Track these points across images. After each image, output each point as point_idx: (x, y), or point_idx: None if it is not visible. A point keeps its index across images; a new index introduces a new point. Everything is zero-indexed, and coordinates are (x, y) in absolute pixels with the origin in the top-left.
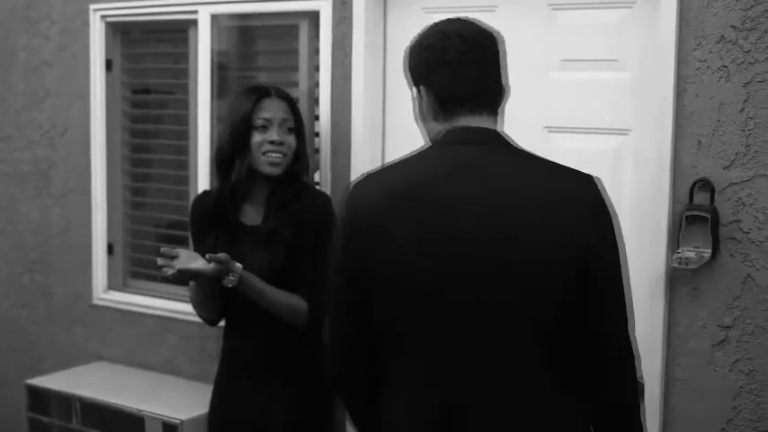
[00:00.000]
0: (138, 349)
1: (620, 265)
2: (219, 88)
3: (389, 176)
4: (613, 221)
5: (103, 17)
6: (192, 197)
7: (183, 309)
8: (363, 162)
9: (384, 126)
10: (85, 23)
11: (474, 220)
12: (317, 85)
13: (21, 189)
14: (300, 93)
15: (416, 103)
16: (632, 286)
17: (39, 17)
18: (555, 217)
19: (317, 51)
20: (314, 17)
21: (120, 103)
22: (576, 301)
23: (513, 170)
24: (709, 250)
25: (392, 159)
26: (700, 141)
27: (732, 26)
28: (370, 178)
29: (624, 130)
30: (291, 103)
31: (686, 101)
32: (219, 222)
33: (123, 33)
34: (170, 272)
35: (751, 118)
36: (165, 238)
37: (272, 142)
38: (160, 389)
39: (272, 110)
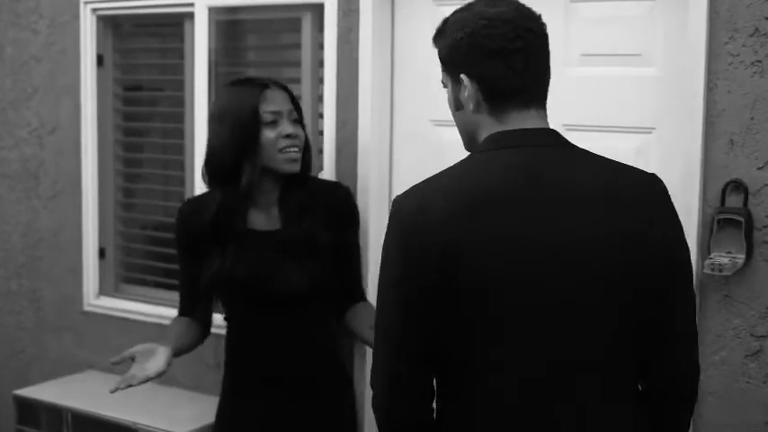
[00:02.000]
0: None
1: (691, 268)
2: (217, 85)
3: (455, 186)
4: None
5: (94, 10)
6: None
7: None
8: (370, 163)
9: (392, 125)
10: (75, 17)
11: (557, 226)
12: (320, 81)
13: (8, 190)
14: (303, 90)
15: (451, 90)
16: None
17: (26, 10)
18: (632, 216)
19: (320, 46)
20: (317, 10)
21: (111, 100)
22: (649, 306)
23: (584, 171)
24: (743, 255)
25: (447, 165)
26: (732, 140)
27: (767, 18)
28: (425, 188)
29: (648, 128)
30: (290, 93)
31: (717, 97)
32: (224, 232)
33: (115, 27)
34: (135, 382)
35: None
36: (159, 242)
37: (288, 136)
38: (155, 400)
39: (277, 101)
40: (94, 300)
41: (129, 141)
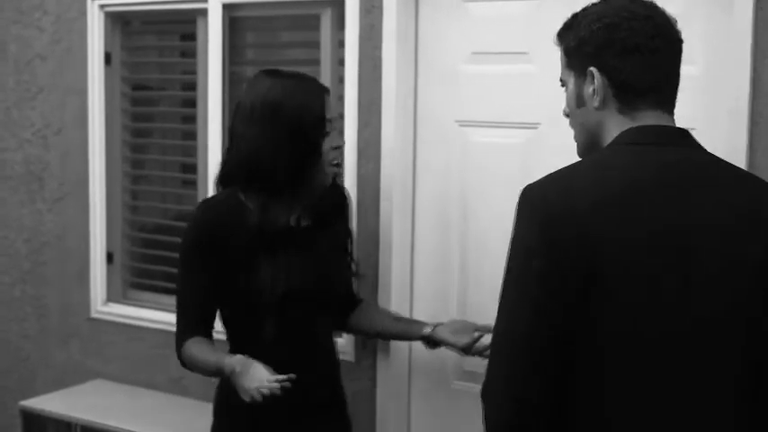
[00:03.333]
0: (141, 366)
1: None
2: (231, 85)
3: (602, 178)
4: None
5: (102, 6)
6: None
7: None
8: (394, 166)
9: (416, 126)
10: (82, 14)
11: (701, 230)
12: (340, 80)
13: (11, 193)
14: None
15: (574, 85)
16: None
17: (31, 7)
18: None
19: (340, 44)
20: (338, 5)
21: (119, 99)
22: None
23: (723, 176)
24: None
25: (570, 162)
26: None
27: None
28: (568, 177)
29: (688, 128)
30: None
31: (764, 97)
32: (268, 238)
33: (123, 24)
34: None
35: None
36: (169, 246)
37: (337, 147)
38: (166, 410)
39: (333, 109)
40: (102, 306)
41: (138, 142)
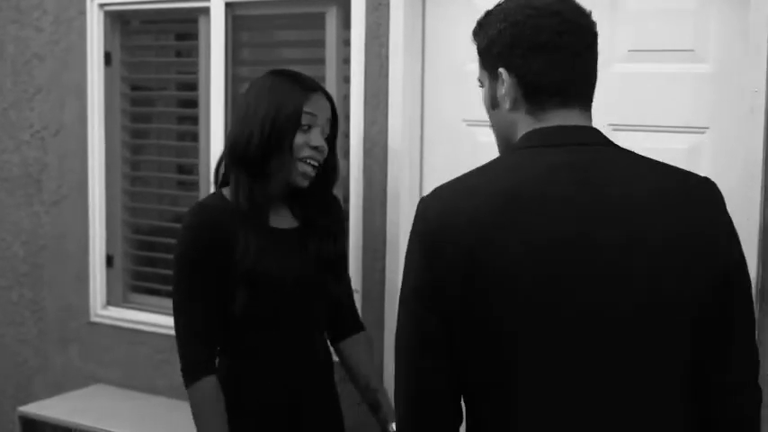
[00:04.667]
0: (141, 371)
1: (749, 280)
2: (234, 85)
3: (489, 186)
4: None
5: (101, 5)
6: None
7: None
8: (401, 166)
9: (423, 126)
10: (81, 13)
11: (595, 223)
12: (345, 80)
13: (9, 195)
14: (328, 89)
15: (488, 87)
16: None
17: (29, 6)
18: (684, 224)
19: (346, 42)
20: (343, 3)
21: (119, 100)
22: (704, 325)
23: (629, 171)
24: None
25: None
26: None
27: None
28: (454, 188)
29: (701, 128)
30: (334, 108)
31: None
32: (250, 226)
33: (123, 24)
34: None
35: None
36: (170, 249)
37: (315, 147)
38: (167, 416)
39: (319, 108)
40: (102, 310)
41: (138, 144)
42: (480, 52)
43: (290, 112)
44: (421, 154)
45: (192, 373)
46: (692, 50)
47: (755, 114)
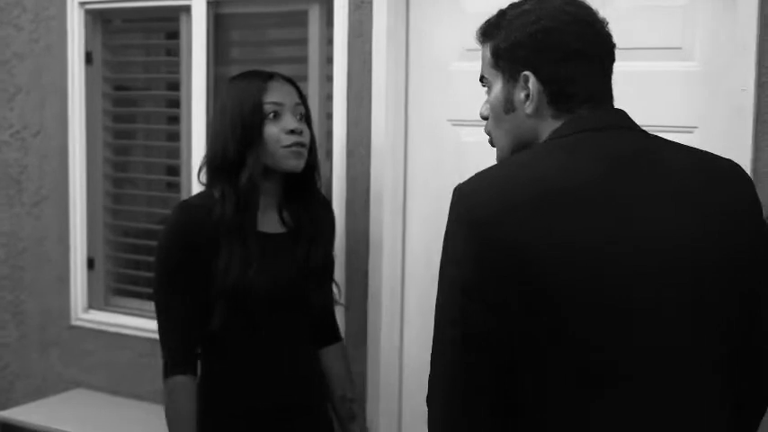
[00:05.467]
0: (124, 376)
1: None
2: (216, 84)
3: (532, 175)
4: None
5: (82, 4)
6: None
7: None
8: (385, 167)
9: (407, 125)
10: (62, 11)
11: (659, 221)
12: (329, 78)
13: None
14: (311, 88)
15: (501, 89)
16: None
17: (8, 4)
18: (735, 212)
19: (329, 41)
20: (326, 1)
21: (101, 100)
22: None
23: (675, 162)
24: None
25: (510, 158)
26: None
27: None
28: (499, 178)
29: (689, 127)
30: (298, 88)
31: None
32: (236, 236)
33: (105, 22)
34: None
35: None
36: (152, 251)
37: (292, 131)
38: (150, 421)
39: (281, 94)
40: (83, 313)
41: (120, 144)
42: (497, 53)
43: (251, 107)
44: (405, 154)
45: (166, 370)
46: (680, 48)
47: (744, 113)
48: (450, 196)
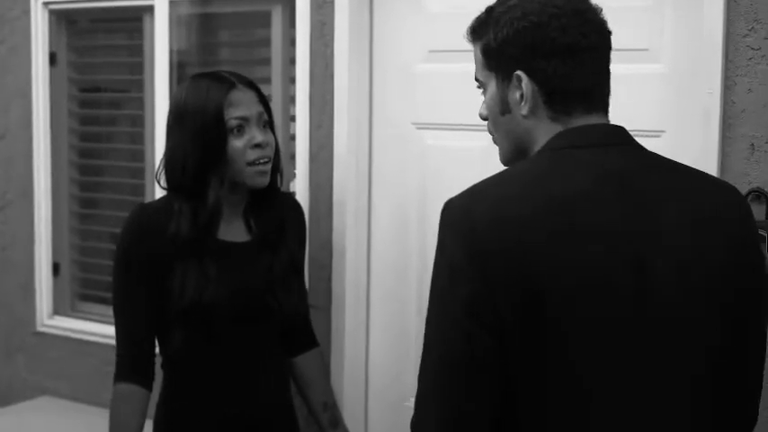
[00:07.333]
0: (90, 383)
1: None
2: (179, 85)
3: (531, 191)
4: None
5: (46, 4)
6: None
7: None
8: (348, 170)
9: (371, 128)
10: (26, 12)
11: (653, 244)
12: (292, 81)
13: None
14: (274, 90)
15: (495, 90)
16: None
17: None
18: (724, 238)
19: (292, 42)
20: (288, 2)
21: (66, 102)
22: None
23: (669, 179)
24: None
25: (502, 169)
26: (753, 144)
27: None
28: (496, 193)
29: (657, 131)
30: (259, 92)
31: (736, 97)
32: (196, 247)
33: (69, 23)
34: None
35: None
36: None
37: (258, 145)
38: None
39: (245, 104)
40: (48, 320)
41: (86, 147)
42: (487, 52)
43: (213, 121)
44: (369, 158)
45: (115, 374)
46: (647, 50)
47: (710, 117)
48: (425, 203)
